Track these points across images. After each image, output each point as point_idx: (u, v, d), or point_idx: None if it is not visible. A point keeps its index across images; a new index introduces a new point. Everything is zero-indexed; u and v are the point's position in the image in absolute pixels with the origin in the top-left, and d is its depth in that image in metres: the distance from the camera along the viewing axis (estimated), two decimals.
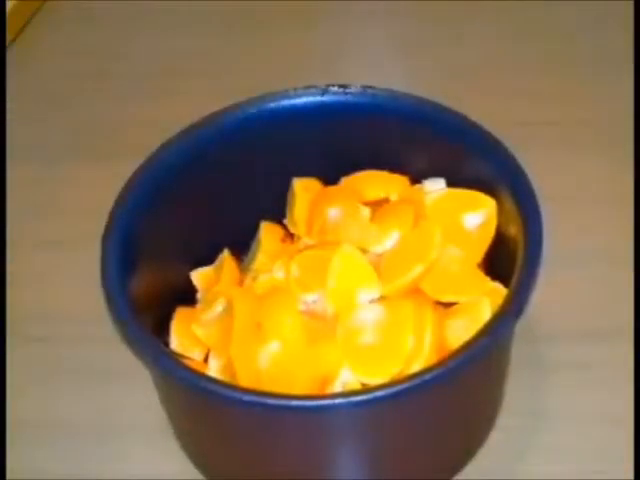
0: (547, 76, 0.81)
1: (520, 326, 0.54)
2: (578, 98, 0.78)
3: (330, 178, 0.62)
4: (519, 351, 0.59)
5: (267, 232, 0.63)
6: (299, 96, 0.61)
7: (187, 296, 0.62)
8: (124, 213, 0.56)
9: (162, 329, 0.59)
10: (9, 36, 0.84)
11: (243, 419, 0.53)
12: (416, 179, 0.61)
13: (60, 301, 0.69)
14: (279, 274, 0.59)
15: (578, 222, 0.69)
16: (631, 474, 0.55)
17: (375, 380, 0.53)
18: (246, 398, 0.49)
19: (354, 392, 0.52)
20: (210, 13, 0.88)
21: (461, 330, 0.55)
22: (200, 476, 0.60)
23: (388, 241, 0.58)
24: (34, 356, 0.66)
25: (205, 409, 0.54)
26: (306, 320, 0.56)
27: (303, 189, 0.62)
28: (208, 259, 0.62)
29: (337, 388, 0.55)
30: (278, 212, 0.63)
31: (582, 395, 0.62)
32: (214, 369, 0.57)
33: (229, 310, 0.57)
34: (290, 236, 0.63)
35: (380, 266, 0.58)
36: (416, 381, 0.49)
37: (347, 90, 0.60)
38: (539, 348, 0.63)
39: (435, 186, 0.61)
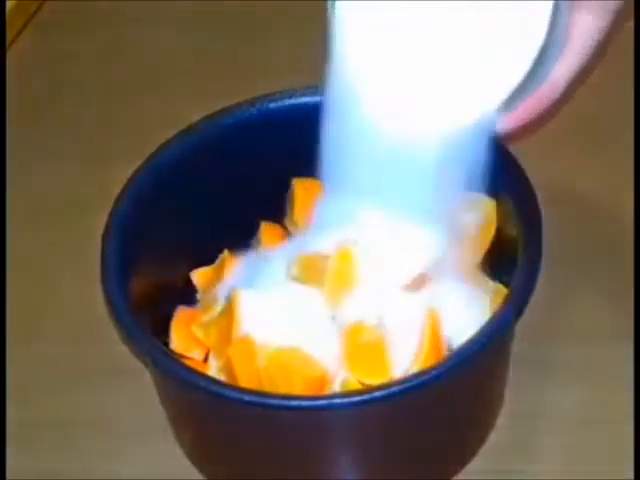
0: None
1: (520, 326, 0.54)
2: (578, 98, 0.78)
3: None
4: (519, 351, 0.59)
5: (267, 232, 0.63)
6: (299, 96, 0.61)
7: (187, 296, 0.62)
8: (124, 213, 0.56)
9: (162, 329, 0.59)
10: (9, 36, 0.84)
11: (243, 419, 0.53)
12: None
13: (60, 301, 0.69)
14: None
15: (578, 222, 0.69)
16: (631, 474, 0.55)
17: (375, 380, 0.53)
18: (246, 398, 0.49)
19: (353, 392, 0.52)
20: (209, 13, 0.88)
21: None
22: (200, 476, 0.60)
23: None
24: (34, 356, 0.66)
25: (205, 409, 0.54)
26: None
27: (303, 189, 0.62)
28: (208, 259, 0.62)
29: (336, 388, 0.55)
30: (278, 212, 0.63)
31: (582, 395, 0.62)
32: (214, 369, 0.57)
33: (229, 310, 0.57)
34: (290, 236, 0.63)
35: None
36: (416, 381, 0.49)
37: None
38: (539, 348, 0.63)
39: None
